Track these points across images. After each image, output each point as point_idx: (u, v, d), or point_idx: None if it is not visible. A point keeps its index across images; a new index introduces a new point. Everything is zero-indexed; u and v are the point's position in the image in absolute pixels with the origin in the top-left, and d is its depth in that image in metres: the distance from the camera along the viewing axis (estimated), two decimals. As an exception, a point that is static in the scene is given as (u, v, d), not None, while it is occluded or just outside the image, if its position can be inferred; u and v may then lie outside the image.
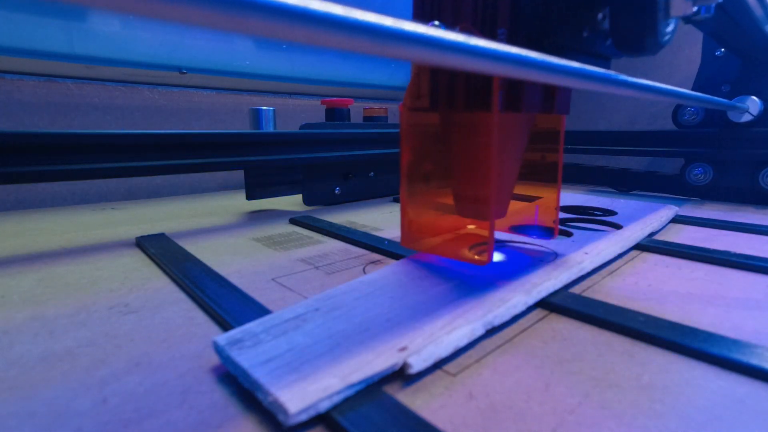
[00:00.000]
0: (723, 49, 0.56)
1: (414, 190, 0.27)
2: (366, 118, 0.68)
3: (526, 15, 0.21)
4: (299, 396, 0.14)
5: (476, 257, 0.25)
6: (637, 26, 0.21)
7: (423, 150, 0.26)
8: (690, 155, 0.57)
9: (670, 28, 0.22)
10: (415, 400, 0.16)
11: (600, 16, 0.22)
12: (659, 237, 0.38)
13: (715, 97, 0.44)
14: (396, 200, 0.60)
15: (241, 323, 0.19)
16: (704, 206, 0.53)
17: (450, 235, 0.29)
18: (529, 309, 0.23)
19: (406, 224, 0.27)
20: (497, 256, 0.28)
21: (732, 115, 0.52)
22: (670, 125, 0.62)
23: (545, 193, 0.29)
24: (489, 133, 0.22)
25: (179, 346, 0.19)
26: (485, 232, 0.25)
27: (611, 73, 0.20)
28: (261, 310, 0.22)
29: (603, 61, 0.25)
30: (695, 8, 0.22)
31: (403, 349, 0.17)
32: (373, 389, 0.16)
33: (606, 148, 0.64)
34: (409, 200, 0.27)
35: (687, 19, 0.23)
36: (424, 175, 0.27)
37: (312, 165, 0.52)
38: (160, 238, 0.37)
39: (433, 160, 0.26)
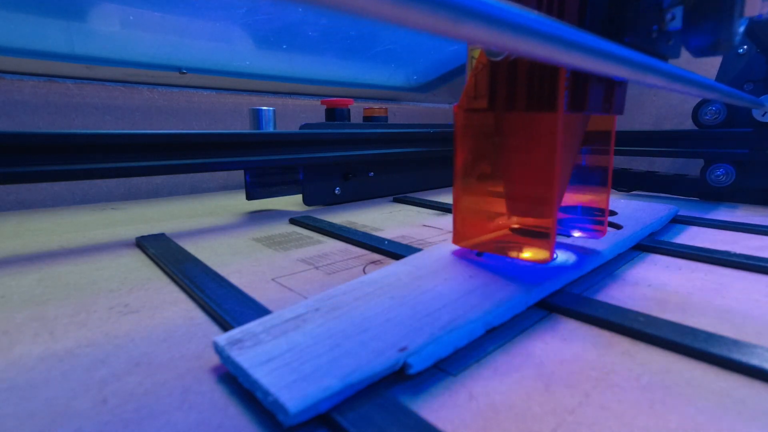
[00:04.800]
0: (745, 47, 0.55)
1: (467, 189, 0.27)
2: (366, 118, 0.68)
3: (596, 13, 0.21)
4: (299, 396, 0.14)
5: (537, 257, 0.25)
6: (713, 26, 0.21)
7: (477, 150, 0.27)
8: (712, 156, 0.55)
9: (742, 29, 0.22)
10: (415, 400, 0.16)
11: (669, 16, 0.22)
12: (659, 237, 0.38)
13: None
14: (396, 200, 0.60)
15: (241, 323, 0.19)
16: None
17: (498, 233, 0.29)
18: (529, 309, 0.23)
19: (458, 222, 0.28)
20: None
21: (758, 114, 0.51)
22: (657, 126, 0.61)
23: (591, 195, 0.29)
24: (553, 133, 0.23)
25: (179, 346, 0.19)
26: (535, 229, 0.25)
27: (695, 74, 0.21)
28: (261, 310, 0.22)
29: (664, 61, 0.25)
30: None
31: (403, 349, 0.17)
32: (373, 389, 0.16)
33: (623, 149, 0.62)
34: (461, 199, 0.27)
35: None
36: (476, 175, 0.27)
37: (312, 165, 0.52)
38: (160, 238, 0.37)
39: (487, 161, 0.27)
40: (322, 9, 0.08)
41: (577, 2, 0.21)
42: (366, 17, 0.09)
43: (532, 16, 0.11)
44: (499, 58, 0.23)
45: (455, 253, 0.28)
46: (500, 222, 0.28)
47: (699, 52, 0.23)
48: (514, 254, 0.26)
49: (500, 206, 0.27)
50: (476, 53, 0.25)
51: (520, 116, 0.24)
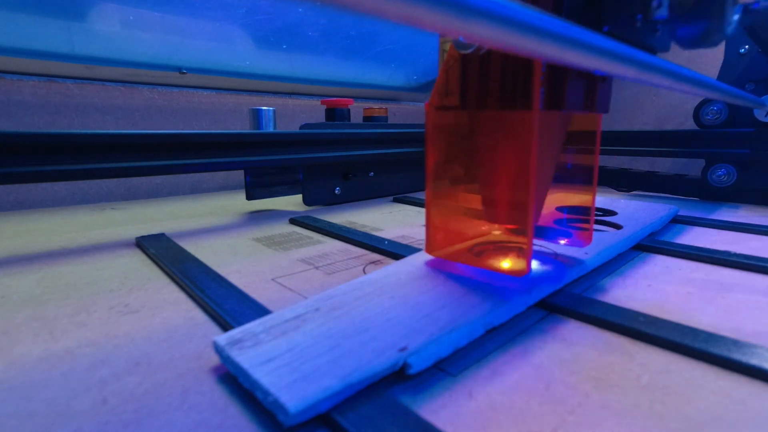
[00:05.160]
0: (747, 47, 0.55)
1: (440, 194, 0.25)
2: (366, 118, 0.68)
3: (574, 0, 0.19)
4: (299, 396, 0.14)
5: (512, 268, 0.24)
6: (703, 14, 0.20)
7: (450, 152, 0.25)
8: (713, 156, 0.55)
9: (735, 17, 0.21)
10: (415, 400, 0.16)
11: (655, 3, 0.20)
12: (660, 237, 0.38)
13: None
14: (396, 200, 0.60)
15: (241, 323, 0.19)
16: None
17: (475, 241, 0.27)
18: (529, 309, 0.23)
19: (431, 230, 0.26)
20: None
21: (760, 114, 0.51)
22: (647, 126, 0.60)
23: (576, 196, 0.28)
24: (529, 133, 0.21)
25: (179, 346, 0.19)
26: (511, 237, 0.24)
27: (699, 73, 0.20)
28: (261, 310, 0.22)
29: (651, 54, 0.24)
30: None
31: (403, 349, 0.17)
32: (373, 389, 0.16)
33: (624, 149, 0.62)
34: (434, 205, 0.26)
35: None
36: (450, 178, 0.25)
37: (312, 165, 0.52)
38: (160, 238, 0.37)
39: (461, 163, 0.25)
40: (329, 7, 0.08)
41: None
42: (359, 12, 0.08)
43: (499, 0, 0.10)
44: (468, 51, 0.21)
45: (429, 263, 0.26)
46: (477, 229, 0.27)
47: (689, 44, 0.21)
48: (490, 265, 0.25)
49: (476, 212, 0.25)
50: (448, 46, 0.23)
51: (494, 115, 0.22)
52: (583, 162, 0.27)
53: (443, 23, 0.09)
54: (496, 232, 0.28)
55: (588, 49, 0.13)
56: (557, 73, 0.21)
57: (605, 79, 0.24)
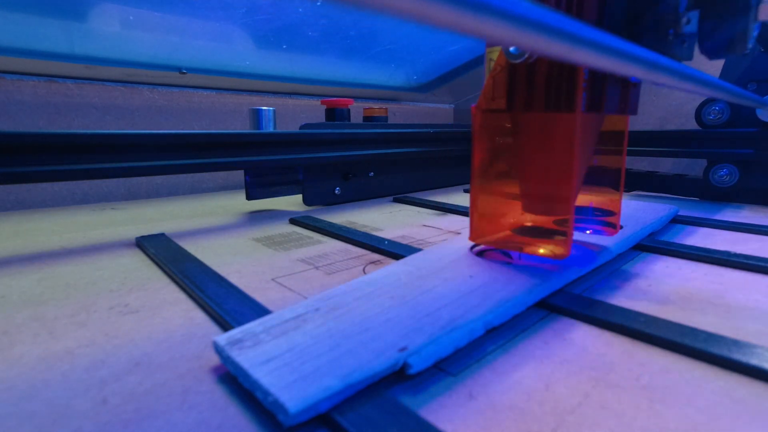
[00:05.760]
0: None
1: (484, 188, 0.28)
2: (366, 118, 0.68)
3: (614, 16, 0.22)
4: (299, 396, 0.14)
5: (553, 253, 0.26)
6: (728, 29, 0.22)
7: (494, 150, 0.28)
8: (715, 156, 0.55)
9: (756, 33, 0.23)
10: (415, 400, 0.16)
11: (685, 20, 0.23)
12: (660, 237, 0.38)
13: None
14: (396, 200, 0.60)
15: (241, 323, 0.19)
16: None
17: (513, 230, 0.30)
18: (529, 309, 0.23)
19: (475, 220, 0.29)
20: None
21: (762, 114, 0.51)
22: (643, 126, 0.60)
23: (603, 196, 0.30)
24: (571, 133, 0.23)
25: (179, 346, 0.19)
26: (552, 227, 0.27)
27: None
28: (261, 310, 0.22)
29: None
30: None
31: (403, 349, 0.17)
32: (373, 389, 0.16)
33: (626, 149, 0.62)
34: (479, 198, 0.28)
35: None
36: (493, 174, 0.28)
37: (312, 165, 0.52)
38: (160, 238, 0.37)
39: (504, 160, 0.28)
40: (343, 5, 0.08)
41: (595, 9, 0.22)
42: (387, 15, 0.08)
43: (558, 16, 0.11)
44: (520, 60, 0.24)
45: (471, 250, 0.29)
46: (515, 220, 0.29)
47: (713, 55, 0.23)
48: (530, 251, 0.27)
49: (516, 204, 0.28)
50: (494, 55, 0.26)
51: (538, 116, 0.25)
52: (609, 161, 0.30)
53: (506, 36, 0.10)
54: (530, 223, 0.30)
55: (599, 48, 0.14)
56: (597, 79, 0.23)
57: (636, 85, 0.26)
